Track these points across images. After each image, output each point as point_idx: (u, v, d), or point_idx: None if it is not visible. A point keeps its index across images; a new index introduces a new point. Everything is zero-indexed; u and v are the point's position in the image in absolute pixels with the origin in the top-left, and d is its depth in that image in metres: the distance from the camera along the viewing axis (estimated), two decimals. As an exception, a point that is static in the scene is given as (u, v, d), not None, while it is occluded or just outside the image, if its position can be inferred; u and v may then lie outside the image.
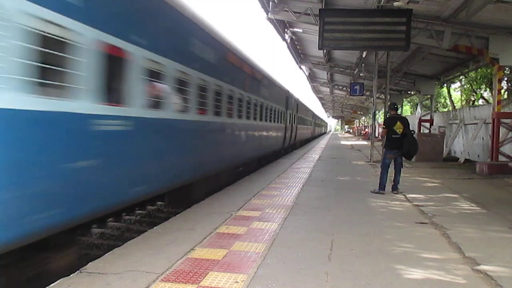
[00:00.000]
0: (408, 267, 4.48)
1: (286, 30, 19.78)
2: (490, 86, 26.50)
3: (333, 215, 7.05)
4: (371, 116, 22.04)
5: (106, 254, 4.77)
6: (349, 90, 26.37)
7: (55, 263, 4.76)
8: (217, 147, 9.79)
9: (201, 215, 6.82)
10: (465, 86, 33.47)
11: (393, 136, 9.40)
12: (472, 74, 27.38)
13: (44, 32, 3.98)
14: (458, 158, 19.14)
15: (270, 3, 15.59)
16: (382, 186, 9.45)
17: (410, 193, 9.40)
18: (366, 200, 8.56)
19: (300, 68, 29.94)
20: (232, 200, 8.15)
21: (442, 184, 11.23)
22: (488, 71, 24.93)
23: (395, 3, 11.11)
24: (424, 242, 5.54)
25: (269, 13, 15.87)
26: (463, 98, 36.04)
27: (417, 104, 27.66)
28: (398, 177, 9.60)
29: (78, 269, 4.24)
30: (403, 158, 9.65)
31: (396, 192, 9.44)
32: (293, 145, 25.61)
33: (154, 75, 6.21)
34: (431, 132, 22.45)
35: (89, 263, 4.42)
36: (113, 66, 5.14)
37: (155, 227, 6.09)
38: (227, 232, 5.73)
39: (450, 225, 6.41)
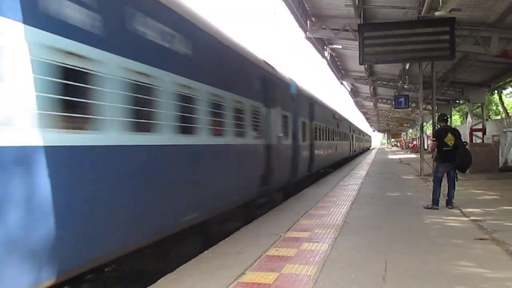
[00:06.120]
0: (470, 288, 4.24)
1: (325, 47, 19.79)
2: (546, 89, 25.10)
3: (386, 234, 6.83)
4: (419, 128, 21.39)
5: (159, 280, 4.85)
6: (393, 103, 25.83)
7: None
8: (331, 152, 21.63)
9: (250, 238, 6.82)
10: (517, 92, 31.81)
11: (444, 148, 9.03)
12: (525, 78, 25.97)
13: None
14: (516, 168, 18.10)
15: (308, 22, 15.67)
16: (435, 201, 9.05)
17: (466, 207, 8.94)
18: (419, 217, 8.23)
19: (342, 83, 29.72)
20: (280, 221, 8.09)
21: (500, 196, 10.64)
22: (543, 74, 23.57)
23: (436, 13, 10.79)
24: (486, 260, 5.23)
25: (307, 32, 15.95)
26: (516, 104, 34.23)
27: (467, 113, 26.58)
28: (453, 191, 9.16)
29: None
30: (457, 170, 9.25)
31: (450, 206, 9.02)
32: (353, 155, 38.45)
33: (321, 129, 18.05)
34: (484, 141, 21.45)
35: (144, 289, 4.52)
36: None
37: (205, 251, 6.14)
38: (277, 255, 5.67)
39: (513, 241, 6.03)
